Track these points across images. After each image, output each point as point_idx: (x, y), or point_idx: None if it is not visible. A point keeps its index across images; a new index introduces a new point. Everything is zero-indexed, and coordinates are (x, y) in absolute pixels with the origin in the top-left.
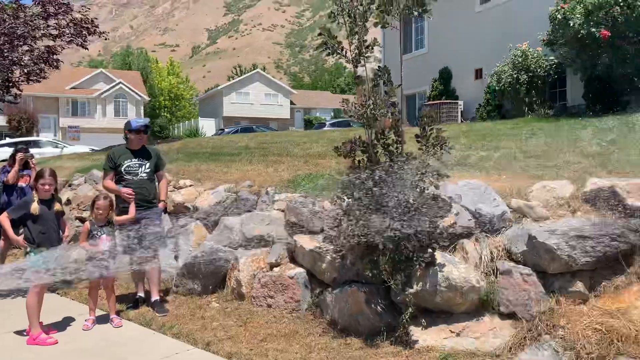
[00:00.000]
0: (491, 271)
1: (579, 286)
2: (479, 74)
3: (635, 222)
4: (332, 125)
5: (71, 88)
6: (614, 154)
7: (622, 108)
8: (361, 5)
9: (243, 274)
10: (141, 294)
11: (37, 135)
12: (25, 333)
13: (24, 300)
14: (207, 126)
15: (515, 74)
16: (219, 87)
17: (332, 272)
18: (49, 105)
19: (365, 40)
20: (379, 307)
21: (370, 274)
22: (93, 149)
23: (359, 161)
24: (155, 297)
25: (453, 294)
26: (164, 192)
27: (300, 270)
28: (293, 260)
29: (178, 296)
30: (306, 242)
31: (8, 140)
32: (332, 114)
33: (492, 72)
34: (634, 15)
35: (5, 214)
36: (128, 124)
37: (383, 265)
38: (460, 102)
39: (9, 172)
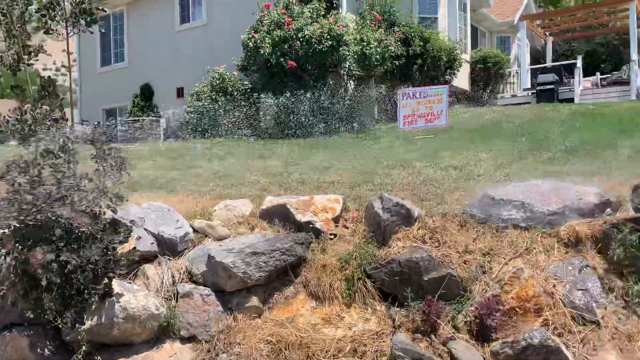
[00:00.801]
0: (172, 295)
1: (254, 301)
2: (180, 92)
3: (301, 236)
4: None
5: None
6: (292, 174)
7: (309, 132)
8: (17, 5)
9: None
10: None
11: None
12: None
13: None
14: None
15: (214, 95)
16: None
17: None
18: None
19: (28, 45)
20: (46, 351)
21: (33, 315)
22: None
23: (19, 184)
24: None
25: (132, 325)
26: None
27: None
28: None
29: None
30: None
31: None
32: None
33: (193, 92)
34: (310, 50)
35: None
36: None
37: (48, 303)
38: (163, 120)
39: None
